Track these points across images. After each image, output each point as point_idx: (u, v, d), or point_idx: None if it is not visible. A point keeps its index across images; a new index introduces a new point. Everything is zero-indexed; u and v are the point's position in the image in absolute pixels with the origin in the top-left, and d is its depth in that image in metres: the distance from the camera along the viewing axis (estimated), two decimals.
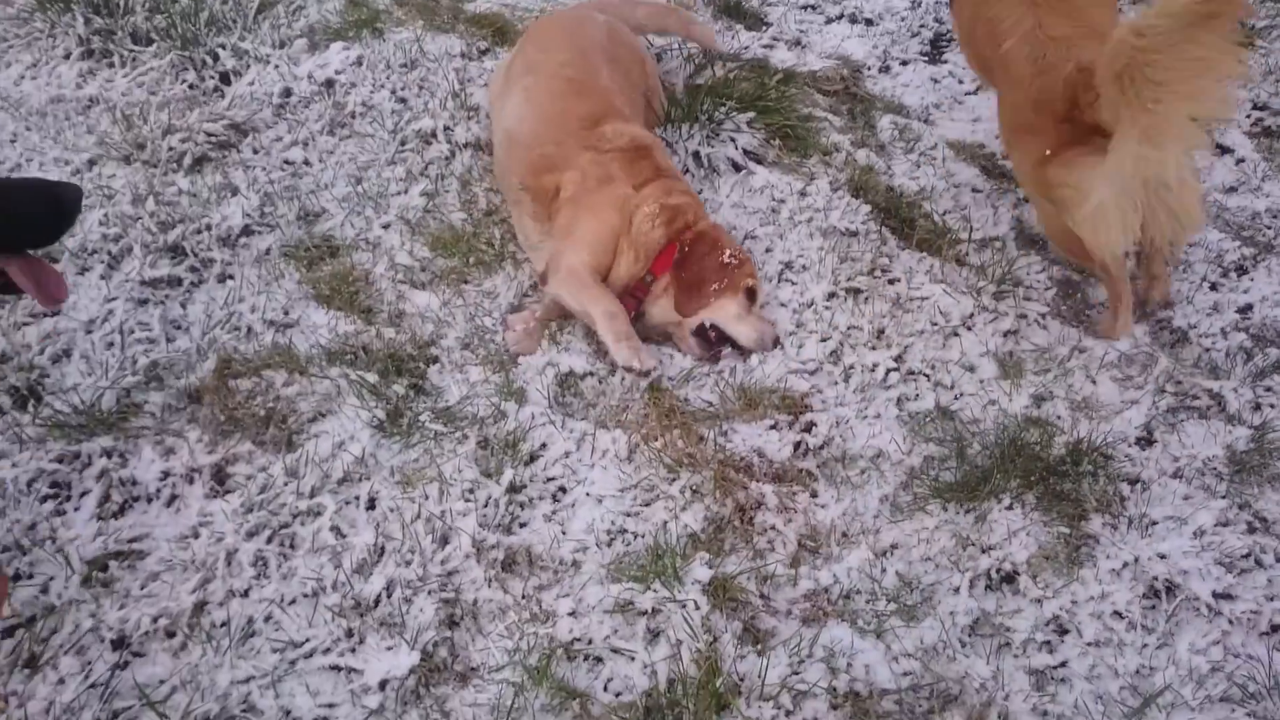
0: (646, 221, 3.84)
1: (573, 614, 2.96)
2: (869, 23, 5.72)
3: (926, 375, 3.63)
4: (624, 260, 3.84)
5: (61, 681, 2.76)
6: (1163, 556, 3.01)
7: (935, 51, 5.51)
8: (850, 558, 3.10)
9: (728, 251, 3.80)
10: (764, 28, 5.61)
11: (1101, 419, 3.49)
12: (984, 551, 3.09)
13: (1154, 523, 3.15)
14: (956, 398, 3.59)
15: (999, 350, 3.72)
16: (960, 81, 5.24)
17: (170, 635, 2.89)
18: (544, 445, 3.41)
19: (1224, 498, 3.21)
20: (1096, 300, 3.99)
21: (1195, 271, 4.08)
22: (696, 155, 4.41)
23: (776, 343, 3.75)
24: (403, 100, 4.85)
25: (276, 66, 4.98)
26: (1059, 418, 3.50)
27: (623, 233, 3.84)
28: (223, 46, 5.08)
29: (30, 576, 3.00)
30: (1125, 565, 3.01)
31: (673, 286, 3.80)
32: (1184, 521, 3.12)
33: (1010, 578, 3.04)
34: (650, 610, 2.92)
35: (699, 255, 3.79)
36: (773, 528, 3.17)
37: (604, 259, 3.82)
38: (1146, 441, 3.44)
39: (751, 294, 3.78)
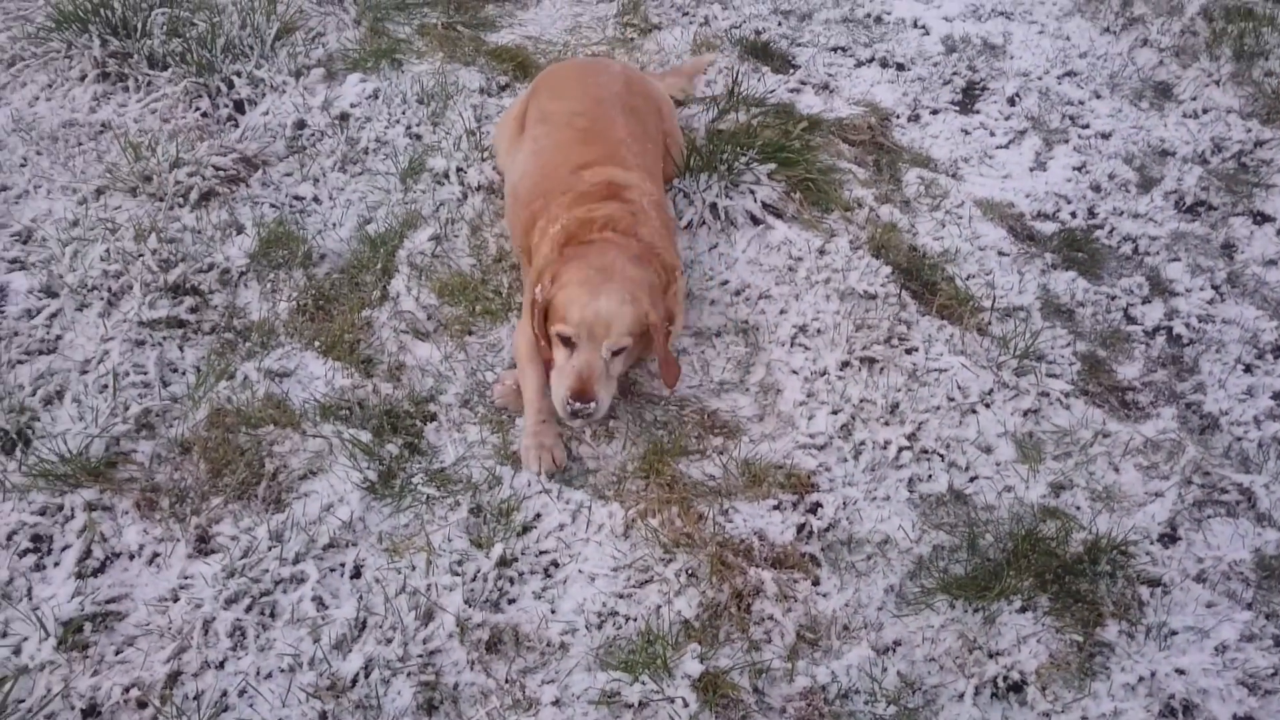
0: (546, 245, 3.60)
1: (556, 703, 2.84)
2: (900, 68, 5.57)
3: (941, 455, 3.49)
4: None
5: None
6: (1181, 672, 2.85)
7: (967, 101, 5.35)
8: (850, 654, 2.96)
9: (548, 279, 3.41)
10: (791, 71, 5.47)
11: (1123, 512, 3.34)
12: (991, 656, 2.93)
13: (1173, 633, 2.99)
14: (971, 480, 3.44)
15: (1018, 430, 3.57)
16: (991, 134, 5.09)
17: (141, 706, 2.80)
18: (538, 516, 3.29)
19: (1249, 608, 3.05)
20: (1127, 378, 3.83)
21: (1229, 352, 3.92)
22: (714, 207, 4.27)
23: (576, 415, 3.32)
24: (417, 137, 4.75)
25: (291, 97, 4.88)
26: (1078, 509, 3.34)
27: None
28: (238, 74, 4.99)
29: (3, 635, 2.91)
30: (1141, 680, 2.85)
31: None
32: (1206, 634, 2.97)
33: (1018, 687, 2.89)
34: (638, 704, 2.80)
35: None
36: (770, 617, 3.04)
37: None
38: (1170, 539, 3.28)
39: (566, 342, 3.36)
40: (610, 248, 3.48)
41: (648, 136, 4.13)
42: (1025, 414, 3.62)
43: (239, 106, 4.94)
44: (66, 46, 5.12)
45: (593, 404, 3.30)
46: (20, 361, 3.69)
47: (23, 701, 2.77)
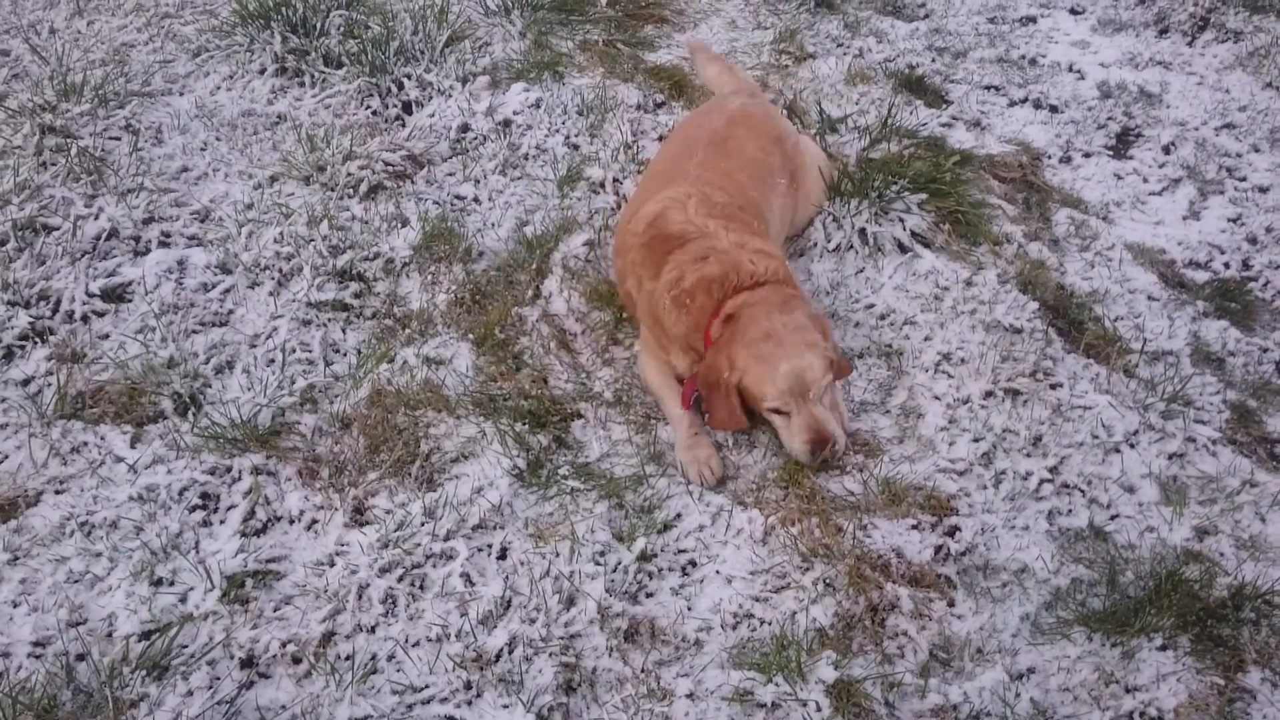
0: (670, 316, 3.61)
1: (690, 696, 2.90)
2: (1053, 110, 5.58)
3: (1082, 491, 3.47)
4: (674, 359, 3.72)
5: (190, 693, 2.82)
6: None
7: (1121, 146, 5.33)
8: (984, 676, 2.97)
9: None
10: (944, 106, 5.52)
11: (1269, 562, 3.29)
12: (1128, 691, 2.92)
13: None
14: (1112, 518, 3.42)
15: (1163, 473, 3.54)
16: (1145, 180, 5.06)
17: (296, 661, 2.93)
18: (679, 516, 3.38)
19: None
20: (1277, 431, 3.78)
21: None
22: (863, 232, 4.33)
23: (821, 457, 3.44)
24: (575, 146, 4.90)
25: (457, 101, 5.08)
26: (1222, 555, 3.30)
27: (660, 336, 3.71)
28: (408, 76, 5.22)
29: (171, 584, 3.09)
30: None
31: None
32: None
33: None
34: (770, 704, 2.85)
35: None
36: (904, 633, 3.07)
37: (663, 357, 3.75)
38: None
39: (778, 412, 3.47)
40: (757, 312, 3.48)
41: (735, 160, 4.06)
42: (1170, 457, 3.59)
43: (407, 107, 5.16)
44: (249, 41, 5.41)
45: (831, 442, 3.43)
46: (195, 331, 3.91)
47: (186, 647, 2.93)
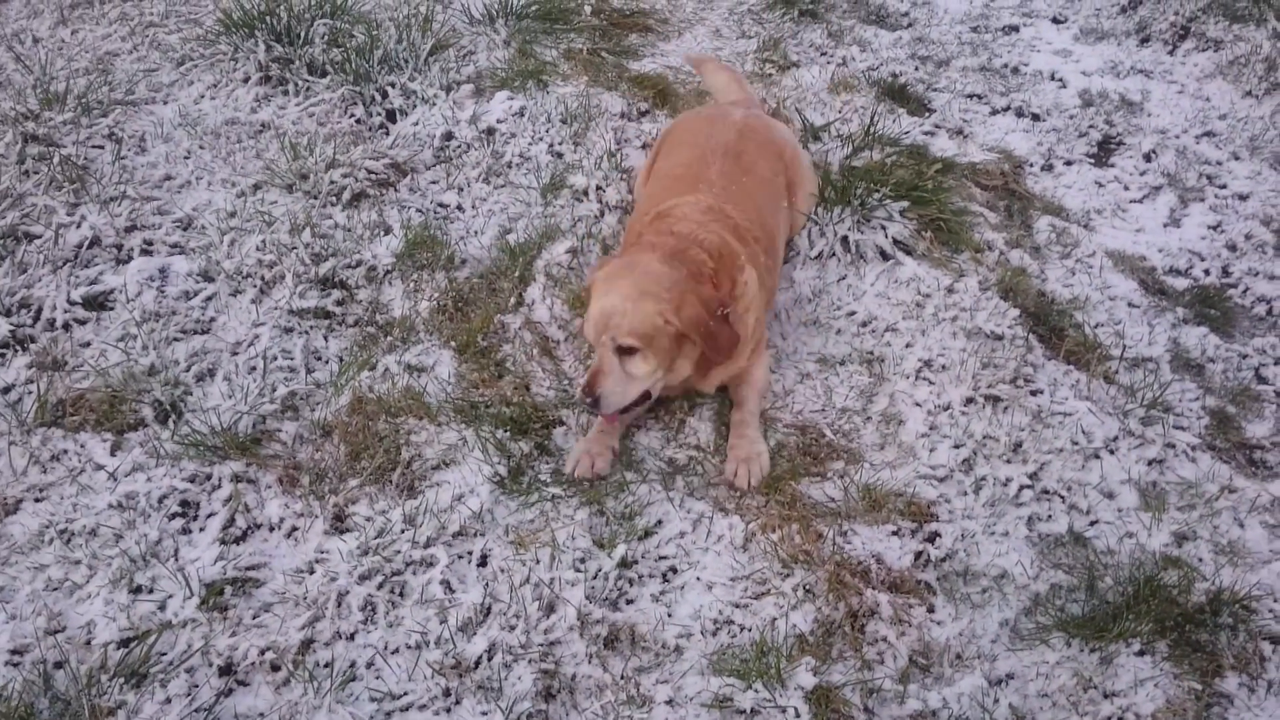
0: None
1: (670, 702, 2.90)
2: (1035, 118, 5.61)
3: (1062, 497, 3.49)
4: None
5: (168, 701, 2.81)
6: None
7: (1103, 154, 5.36)
8: (963, 682, 2.98)
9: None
10: (927, 114, 5.55)
11: (1247, 567, 3.31)
12: (1107, 697, 2.93)
13: None
14: (1091, 524, 3.43)
15: (1142, 479, 3.56)
16: (1126, 188, 5.09)
17: (275, 669, 2.92)
18: (659, 522, 3.38)
19: None
20: (1255, 436, 3.80)
21: None
22: (845, 240, 4.34)
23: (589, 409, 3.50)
24: (559, 154, 4.91)
25: (441, 110, 5.09)
26: (1200, 560, 3.32)
27: None
28: (392, 85, 5.22)
29: (150, 591, 3.08)
30: None
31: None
32: None
33: None
34: (749, 710, 2.85)
35: None
36: (884, 639, 3.07)
37: None
38: None
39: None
40: (642, 250, 3.54)
41: (751, 177, 4.09)
42: (1150, 463, 3.61)
43: (391, 116, 5.17)
44: (233, 50, 5.41)
45: (589, 399, 3.39)
46: (177, 339, 3.90)
47: (165, 655, 2.92)
